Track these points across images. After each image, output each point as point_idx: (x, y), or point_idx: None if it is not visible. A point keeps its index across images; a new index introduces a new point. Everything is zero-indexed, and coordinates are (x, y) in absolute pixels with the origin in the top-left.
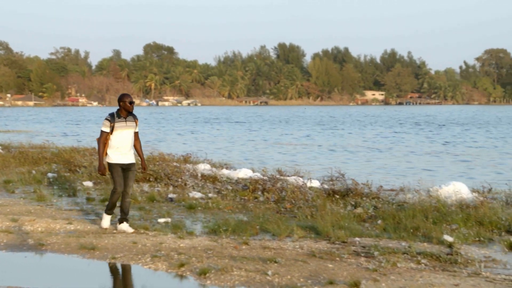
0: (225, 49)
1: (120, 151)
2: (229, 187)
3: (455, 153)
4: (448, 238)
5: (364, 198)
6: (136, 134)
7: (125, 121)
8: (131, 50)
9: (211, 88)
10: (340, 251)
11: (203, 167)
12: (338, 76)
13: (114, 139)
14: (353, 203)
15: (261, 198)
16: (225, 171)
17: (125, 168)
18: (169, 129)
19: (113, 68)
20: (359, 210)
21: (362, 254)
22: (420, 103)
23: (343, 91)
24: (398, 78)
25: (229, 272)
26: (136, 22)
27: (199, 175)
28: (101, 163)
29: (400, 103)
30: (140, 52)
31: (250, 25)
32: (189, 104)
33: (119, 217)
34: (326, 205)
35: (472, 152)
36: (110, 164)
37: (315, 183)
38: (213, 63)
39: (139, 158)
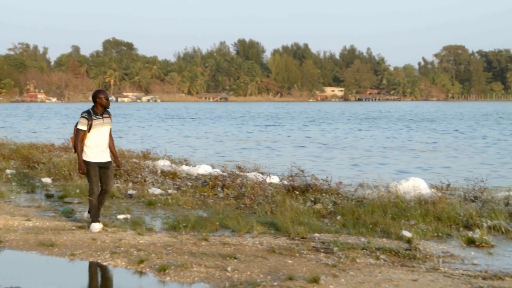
0: (185, 45)
1: (99, 149)
2: (189, 183)
3: (414, 148)
4: (407, 233)
5: (324, 194)
6: (109, 131)
7: (102, 118)
8: (90, 46)
9: (170, 84)
10: (300, 247)
11: (163, 163)
12: (297, 72)
13: (92, 137)
14: (312, 199)
15: (220, 194)
16: (184, 167)
17: (103, 167)
18: (129, 125)
19: (72, 64)
20: (318, 206)
21: (322, 250)
22: (379, 99)
23: (302, 87)
24: (357, 74)
25: (189, 269)
26: (95, 15)
27: (159, 171)
28: (81, 162)
29: (360, 99)
30: (99, 48)
31: (210, 21)
32: (148, 100)
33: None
34: (285, 201)
35: (430, 147)
36: (87, 163)
37: (275, 179)
38: (172, 59)
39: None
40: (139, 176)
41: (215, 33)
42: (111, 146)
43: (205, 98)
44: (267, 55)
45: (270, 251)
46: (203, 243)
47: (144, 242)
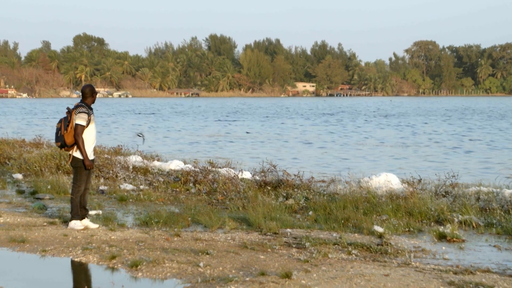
0: (156, 41)
1: (92, 145)
2: (161, 179)
3: (386, 144)
4: (379, 228)
5: (296, 190)
6: None
7: (93, 113)
8: (61, 41)
9: (142, 80)
10: (272, 242)
11: (135, 159)
12: (269, 68)
13: (89, 133)
14: (284, 194)
15: (192, 190)
16: (156, 163)
17: None
18: (101, 121)
19: (42, 59)
20: (290, 201)
21: (294, 245)
22: (350, 95)
23: (274, 83)
24: (328, 70)
25: (161, 264)
26: (66, 7)
27: (131, 167)
28: (87, 158)
29: (331, 95)
30: (70, 43)
31: (182, 16)
32: (120, 96)
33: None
34: (257, 196)
35: (402, 143)
36: (80, 160)
37: (247, 175)
38: (144, 54)
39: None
40: (111, 171)
41: (187, 28)
42: None
43: (177, 93)
44: (239, 50)
45: (242, 246)
46: (175, 238)
47: (116, 238)
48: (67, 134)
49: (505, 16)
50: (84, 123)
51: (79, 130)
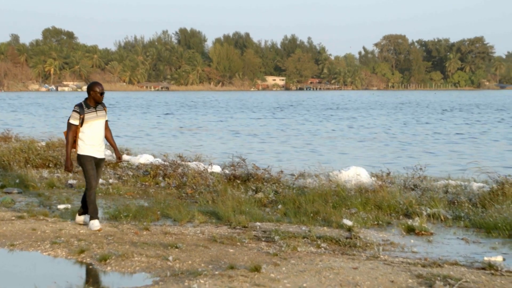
0: (126, 34)
1: (93, 144)
2: (130, 173)
3: (355, 137)
4: (347, 222)
5: (265, 183)
6: (106, 122)
7: (95, 111)
8: (29, 35)
9: (111, 74)
10: (241, 236)
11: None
12: (239, 62)
13: (85, 132)
14: (254, 188)
15: (162, 184)
16: (126, 157)
17: (96, 163)
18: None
19: (11, 52)
20: (260, 195)
21: (263, 239)
22: (320, 89)
23: (244, 77)
24: (298, 64)
25: (130, 258)
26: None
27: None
28: (68, 159)
29: (301, 89)
30: (39, 36)
31: (151, 9)
32: None
33: (79, 210)
34: (227, 190)
35: (372, 136)
36: (82, 156)
37: (216, 169)
38: (113, 48)
39: (112, 147)
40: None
41: (157, 22)
42: (110, 138)
43: (146, 87)
44: (209, 44)
45: (212, 240)
46: (144, 232)
47: (85, 232)
48: (65, 132)
49: (474, 10)
50: (74, 121)
51: (69, 128)
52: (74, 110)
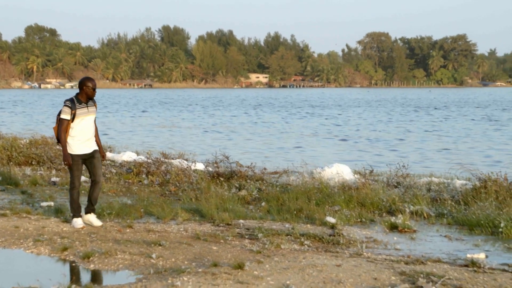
0: (109, 32)
1: (83, 139)
2: (113, 170)
3: (338, 135)
4: (331, 219)
5: (248, 181)
6: (94, 120)
7: (87, 106)
8: (12, 32)
9: (94, 71)
10: (225, 233)
11: None
12: (222, 59)
13: (76, 128)
14: (237, 185)
15: (145, 181)
16: (109, 154)
17: (89, 157)
18: (51, 112)
19: None
20: (243, 192)
21: (246, 236)
22: (303, 86)
23: (227, 74)
24: (281, 61)
25: (113, 256)
26: None
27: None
28: (66, 152)
29: (284, 86)
30: (22, 34)
31: (134, 6)
32: (72, 87)
33: (85, 207)
34: (210, 187)
35: (355, 134)
36: (70, 156)
37: (200, 166)
38: (96, 45)
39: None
40: (63, 163)
41: (140, 19)
42: (96, 136)
43: (130, 84)
44: (192, 41)
45: (195, 237)
46: (128, 230)
47: (68, 230)
48: (55, 128)
49: (457, 8)
50: (65, 116)
51: (61, 124)
52: (65, 105)
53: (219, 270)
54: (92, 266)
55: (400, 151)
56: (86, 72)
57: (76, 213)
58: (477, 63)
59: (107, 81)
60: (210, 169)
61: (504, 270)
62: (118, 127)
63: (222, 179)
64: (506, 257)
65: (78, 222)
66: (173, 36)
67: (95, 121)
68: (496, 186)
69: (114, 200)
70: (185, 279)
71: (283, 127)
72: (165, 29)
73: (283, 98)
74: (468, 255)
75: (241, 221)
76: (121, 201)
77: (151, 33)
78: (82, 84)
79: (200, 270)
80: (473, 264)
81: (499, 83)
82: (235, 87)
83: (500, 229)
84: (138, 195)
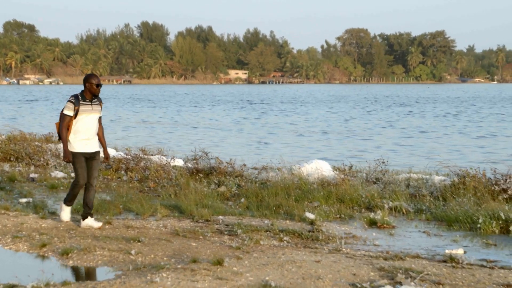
0: (88, 27)
1: (85, 138)
2: None
3: (317, 131)
4: (310, 215)
5: (228, 177)
6: (99, 119)
7: (91, 104)
8: None
9: (73, 67)
10: (204, 229)
11: None
12: (201, 55)
13: (78, 125)
14: (216, 181)
15: (124, 177)
16: None
17: (89, 158)
18: (29, 107)
19: None
20: (222, 188)
21: (226, 232)
22: (283, 82)
23: (206, 70)
24: (261, 57)
25: (92, 252)
26: None
27: (61, 154)
28: (67, 149)
29: (263, 82)
30: (0, 30)
31: (113, 2)
32: (51, 83)
33: (81, 212)
34: (189, 183)
35: (335, 130)
36: (72, 154)
37: (179, 162)
38: (75, 41)
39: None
40: (42, 159)
41: (118, 14)
42: (101, 135)
43: (109, 80)
44: (171, 37)
45: (174, 234)
46: (107, 226)
47: (47, 226)
48: (57, 123)
49: (436, 5)
50: (68, 112)
51: (63, 119)
52: (69, 101)
53: (198, 266)
54: (71, 263)
55: (379, 146)
56: (65, 68)
57: (67, 202)
58: (455, 60)
59: None
60: (189, 165)
61: (482, 266)
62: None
63: (201, 175)
64: (484, 252)
65: (66, 211)
66: (152, 32)
67: (100, 120)
68: (475, 182)
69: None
70: (164, 275)
71: (262, 123)
72: (144, 25)
73: (266, 94)
74: (447, 251)
75: (220, 217)
76: (100, 197)
77: (130, 29)
78: (85, 80)
79: (179, 266)
80: (451, 259)
81: (477, 79)
82: (215, 83)
83: (479, 225)
84: (117, 191)
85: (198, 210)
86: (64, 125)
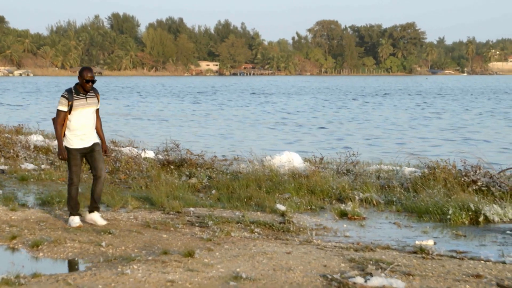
0: (58, 19)
1: (81, 133)
2: None
3: (287, 123)
4: (281, 207)
5: (199, 169)
6: (97, 111)
7: (85, 98)
8: None
9: (43, 58)
10: (175, 221)
11: (36, 138)
12: (172, 47)
13: (73, 120)
14: (187, 173)
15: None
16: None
17: (90, 151)
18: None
19: None
20: (193, 180)
21: (197, 224)
22: (254, 74)
23: (177, 62)
24: (232, 49)
25: (62, 244)
26: None
27: (32, 146)
28: (61, 146)
29: (234, 74)
30: None
31: None
32: (21, 75)
33: (88, 206)
34: (160, 175)
35: (305, 122)
36: (68, 150)
37: (150, 154)
38: (45, 32)
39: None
40: (11, 151)
41: (89, 4)
42: (99, 129)
43: None
44: (142, 29)
45: (145, 225)
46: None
47: (17, 218)
48: (53, 118)
49: None
50: (62, 108)
51: (58, 115)
52: (62, 96)
53: (169, 258)
54: (41, 255)
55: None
56: (35, 59)
57: (73, 211)
58: (426, 51)
59: (57, 68)
60: (160, 157)
61: (452, 257)
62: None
63: (172, 167)
64: (454, 243)
65: (74, 220)
66: (122, 24)
67: (98, 113)
68: (445, 173)
69: (63, 188)
70: (135, 267)
71: (236, 115)
72: (115, 16)
73: (233, 86)
74: (417, 242)
75: (192, 209)
76: None
77: (100, 21)
78: (79, 74)
79: (150, 258)
80: (421, 250)
81: (447, 71)
82: (185, 75)
83: (449, 216)
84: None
85: (169, 202)
86: (59, 121)
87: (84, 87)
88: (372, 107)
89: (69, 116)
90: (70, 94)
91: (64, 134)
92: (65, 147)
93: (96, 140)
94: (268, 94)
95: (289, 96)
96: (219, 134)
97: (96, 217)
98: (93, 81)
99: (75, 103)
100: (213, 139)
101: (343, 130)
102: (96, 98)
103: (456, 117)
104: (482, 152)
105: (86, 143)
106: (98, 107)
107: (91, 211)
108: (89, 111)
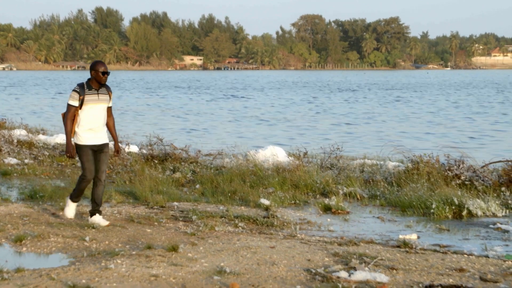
0: (41, 13)
1: (92, 129)
2: (46, 153)
3: (270, 117)
4: (265, 201)
5: (183, 163)
6: (109, 109)
7: (97, 93)
8: None
9: (27, 53)
10: (159, 215)
11: (19, 133)
12: (156, 41)
13: (84, 115)
14: (171, 167)
15: (78, 164)
16: (41, 137)
17: (97, 150)
18: None
19: None
20: (177, 174)
21: (181, 219)
22: (238, 68)
23: (161, 56)
24: (216, 43)
25: (46, 239)
26: None
27: (15, 140)
28: (69, 143)
29: (219, 68)
30: None
31: None
32: (4, 69)
33: (89, 209)
34: (144, 170)
35: (289, 116)
36: (78, 146)
37: (134, 148)
38: (29, 27)
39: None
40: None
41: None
42: (111, 127)
43: (63, 66)
44: (126, 23)
45: (129, 220)
46: (61, 213)
47: (0, 213)
48: (63, 114)
49: None
50: (73, 102)
51: (68, 110)
52: (74, 90)
53: (153, 252)
54: (24, 250)
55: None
56: (19, 53)
57: (74, 198)
58: (409, 46)
59: (40, 63)
60: (144, 151)
61: (435, 251)
62: (49, 109)
63: (156, 161)
64: (438, 237)
65: (71, 207)
66: (106, 18)
67: (110, 110)
68: (428, 168)
69: (47, 182)
70: (119, 261)
71: (217, 110)
72: (98, 10)
73: (218, 81)
74: (401, 236)
75: (175, 203)
76: (54, 183)
77: (83, 15)
78: (91, 68)
79: (134, 252)
80: (405, 245)
81: (431, 66)
82: (169, 69)
83: (432, 210)
84: (71, 177)
85: (153, 196)
86: (69, 116)
87: (99, 81)
88: (356, 100)
89: (79, 111)
90: (82, 89)
91: (74, 131)
92: (76, 144)
93: (106, 140)
94: (256, 89)
95: (262, 91)
96: (204, 128)
97: (98, 219)
98: (108, 73)
99: (86, 97)
100: (196, 133)
101: (327, 124)
102: (108, 95)
103: (442, 111)
104: (465, 146)
105: (97, 141)
106: (110, 105)
107: (93, 214)
108: (100, 107)
